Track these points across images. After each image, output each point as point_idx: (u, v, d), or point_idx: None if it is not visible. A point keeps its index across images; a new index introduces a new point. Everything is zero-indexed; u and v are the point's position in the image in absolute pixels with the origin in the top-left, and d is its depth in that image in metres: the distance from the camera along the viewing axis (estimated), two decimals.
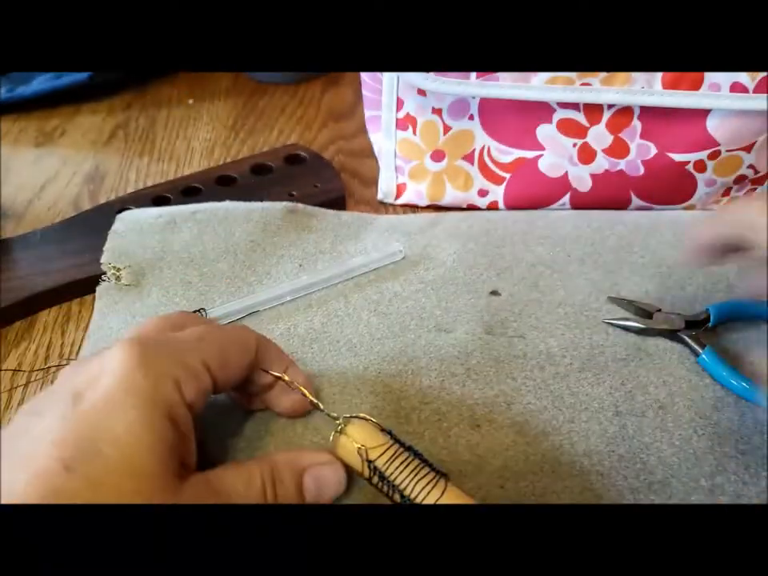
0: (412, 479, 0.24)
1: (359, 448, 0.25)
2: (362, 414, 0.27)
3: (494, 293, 0.36)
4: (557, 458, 0.28)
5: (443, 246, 0.38)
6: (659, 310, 0.34)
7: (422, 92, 0.38)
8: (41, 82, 0.53)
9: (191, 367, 0.22)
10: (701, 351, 0.31)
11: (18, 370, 0.32)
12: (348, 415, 0.27)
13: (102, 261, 0.36)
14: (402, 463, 0.25)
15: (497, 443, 0.28)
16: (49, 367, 0.33)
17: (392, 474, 0.24)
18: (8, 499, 0.16)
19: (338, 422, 0.26)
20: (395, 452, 0.25)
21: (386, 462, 0.25)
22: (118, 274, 0.35)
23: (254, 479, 0.22)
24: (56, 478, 0.17)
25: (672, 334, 0.33)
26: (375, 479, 0.25)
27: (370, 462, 0.25)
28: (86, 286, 0.36)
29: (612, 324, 0.34)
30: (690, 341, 0.32)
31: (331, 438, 0.26)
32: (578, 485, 0.27)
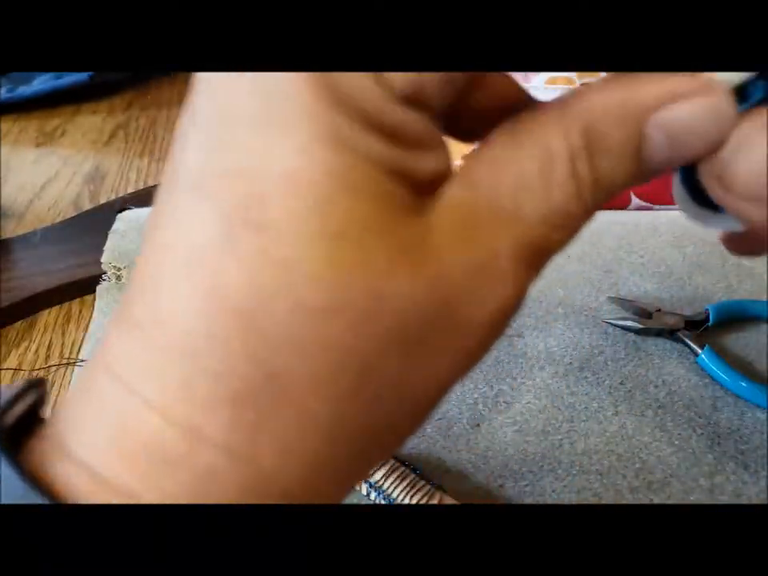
0: (408, 492, 0.24)
1: None
2: None
3: None
4: (556, 457, 0.28)
5: None
6: (659, 310, 0.34)
7: None
8: (41, 82, 0.53)
9: None
10: (700, 351, 0.32)
11: (19, 370, 0.33)
12: None
13: (102, 260, 0.36)
14: (398, 477, 0.25)
15: (496, 442, 0.28)
16: (49, 367, 0.33)
17: (388, 488, 0.25)
18: None
19: None
20: (391, 467, 0.25)
21: (382, 477, 0.25)
22: (118, 273, 0.35)
23: (556, 155, 0.13)
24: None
25: (671, 334, 0.33)
26: (373, 494, 0.25)
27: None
28: (86, 286, 0.36)
29: (611, 324, 0.34)
30: (689, 341, 0.32)
31: None
32: (578, 484, 0.27)
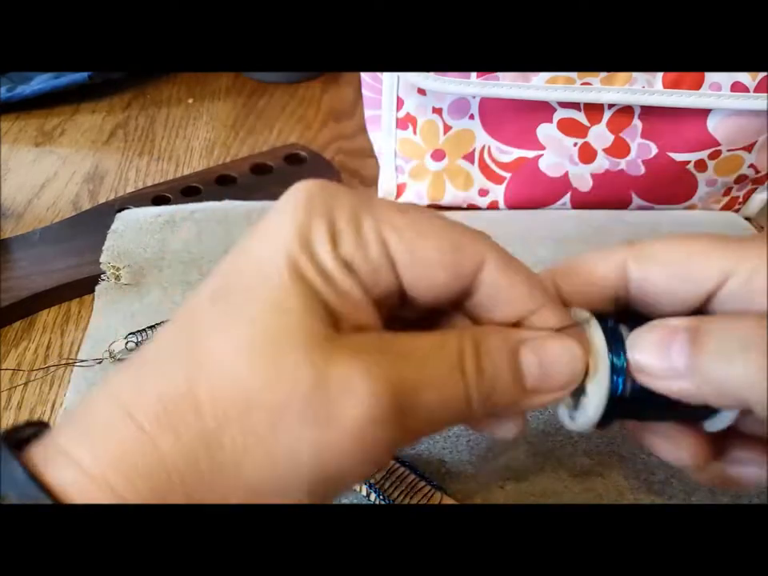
0: (407, 493, 0.24)
1: None
2: None
3: None
4: (558, 457, 0.28)
5: None
6: None
7: (422, 91, 0.38)
8: (40, 82, 0.53)
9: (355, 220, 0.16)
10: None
11: (18, 370, 0.32)
12: None
13: (101, 260, 0.36)
14: (398, 479, 0.25)
15: (497, 443, 0.28)
16: (48, 367, 0.33)
17: (388, 489, 0.25)
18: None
19: None
20: (391, 468, 0.25)
21: (382, 478, 0.25)
22: (117, 273, 0.35)
23: (449, 343, 0.16)
24: (201, 312, 0.15)
25: None
26: (373, 496, 0.25)
27: (366, 479, 0.25)
28: (85, 286, 0.36)
29: None
30: None
31: None
32: (579, 485, 0.27)
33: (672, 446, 0.20)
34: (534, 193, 0.41)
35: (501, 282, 0.18)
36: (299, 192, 0.17)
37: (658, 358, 0.17)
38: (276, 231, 0.16)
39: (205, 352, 0.14)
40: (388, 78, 0.38)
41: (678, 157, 0.38)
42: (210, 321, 0.15)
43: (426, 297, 0.17)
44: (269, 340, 0.14)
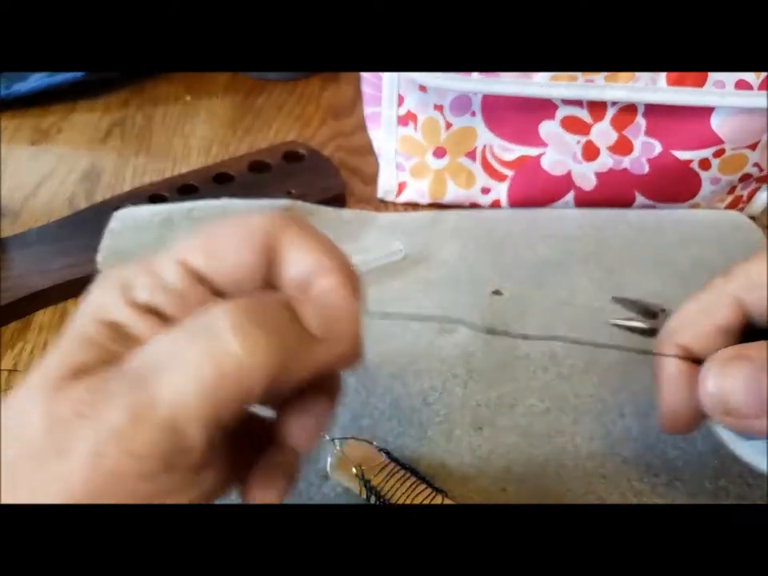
0: (408, 496, 0.24)
1: (356, 468, 0.25)
2: (358, 436, 0.27)
3: (497, 292, 0.35)
4: (560, 460, 0.28)
5: (444, 245, 0.38)
6: (664, 310, 0.34)
7: (423, 88, 0.37)
8: (36, 80, 0.52)
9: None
10: None
11: (14, 371, 0.32)
12: (341, 437, 0.27)
13: (98, 260, 0.35)
14: (398, 481, 0.25)
15: (499, 445, 0.28)
16: None
17: (388, 492, 0.25)
18: None
19: (334, 443, 0.27)
20: (391, 471, 0.25)
21: (382, 480, 0.25)
22: None
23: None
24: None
25: None
26: (373, 498, 0.25)
27: (366, 481, 0.25)
28: (82, 286, 0.35)
29: (616, 324, 0.33)
30: None
31: (329, 461, 0.26)
32: (582, 487, 0.27)
33: None
34: (537, 191, 0.41)
35: (294, 251, 0.18)
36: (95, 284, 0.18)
37: (749, 395, 0.17)
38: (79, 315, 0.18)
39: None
40: (388, 75, 0.38)
41: (682, 155, 0.38)
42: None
43: (237, 282, 0.17)
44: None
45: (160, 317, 0.17)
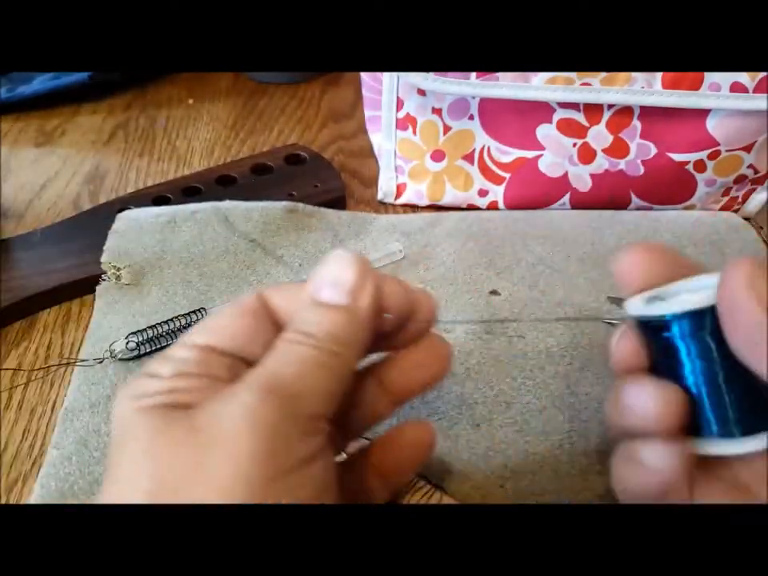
0: (407, 492, 0.25)
1: None
2: None
3: (494, 292, 0.36)
4: (557, 457, 0.28)
5: (443, 246, 0.38)
6: None
7: (421, 92, 0.38)
8: (41, 82, 0.53)
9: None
10: None
11: (18, 370, 0.32)
12: None
13: (102, 260, 0.36)
14: None
15: (496, 442, 0.28)
16: (49, 367, 0.33)
17: None
18: None
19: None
20: None
21: None
22: (117, 273, 0.35)
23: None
24: None
25: None
26: None
27: None
28: (86, 286, 0.36)
29: (612, 324, 0.34)
30: None
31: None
32: (578, 484, 0.27)
33: None
34: (534, 193, 0.41)
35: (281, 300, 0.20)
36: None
37: None
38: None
39: None
40: (388, 79, 0.38)
41: (678, 157, 0.38)
42: None
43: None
44: None
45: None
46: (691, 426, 0.20)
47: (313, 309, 0.18)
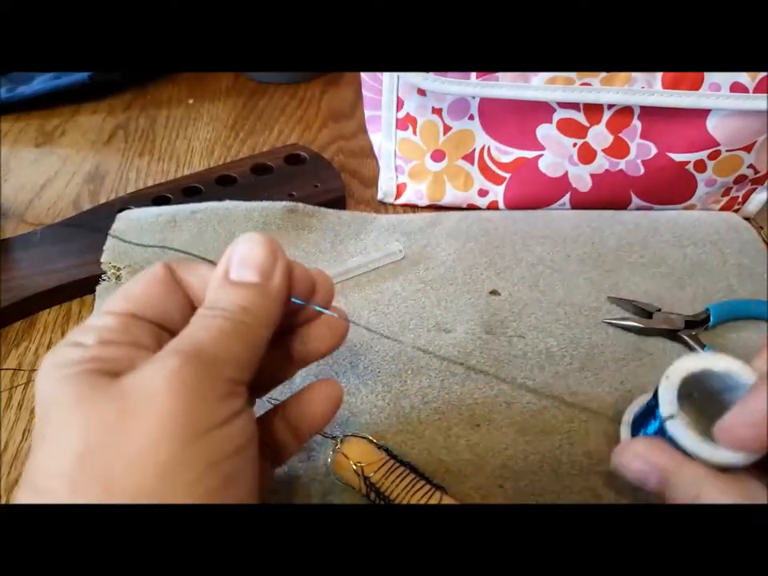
0: (408, 492, 0.25)
1: (356, 465, 0.25)
2: (358, 433, 0.28)
3: (494, 292, 0.36)
4: (556, 457, 0.28)
5: (443, 246, 0.38)
6: (659, 310, 0.34)
7: (422, 92, 0.38)
8: (41, 82, 0.53)
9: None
10: (700, 351, 0.32)
11: (18, 370, 0.33)
12: (343, 434, 0.28)
13: (101, 260, 0.36)
14: (397, 477, 0.25)
15: (496, 443, 0.28)
16: None
17: (388, 488, 0.25)
18: None
19: (334, 441, 0.27)
20: (390, 467, 0.26)
21: (382, 477, 0.25)
22: (117, 273, 0.35)
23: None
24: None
25: (672, 334, 0.33)
26: (372, 495, 0.25)
27: (366, 478, 0.25)
28: (86, 286, 0.36)
29: (612, 324, 0.34)
30: (689, 341, 0.32)
31: (329, 458, 0.27)
32: (578, 484, 0.27)
33: None
34: (534, 193, 0.41)
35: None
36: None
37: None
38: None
39: None
40: (388, 79, 0.38)
41: (678, 157, 0.38)
42: None
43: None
44: None
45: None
46: None
47: (226, 286, 0.20)
